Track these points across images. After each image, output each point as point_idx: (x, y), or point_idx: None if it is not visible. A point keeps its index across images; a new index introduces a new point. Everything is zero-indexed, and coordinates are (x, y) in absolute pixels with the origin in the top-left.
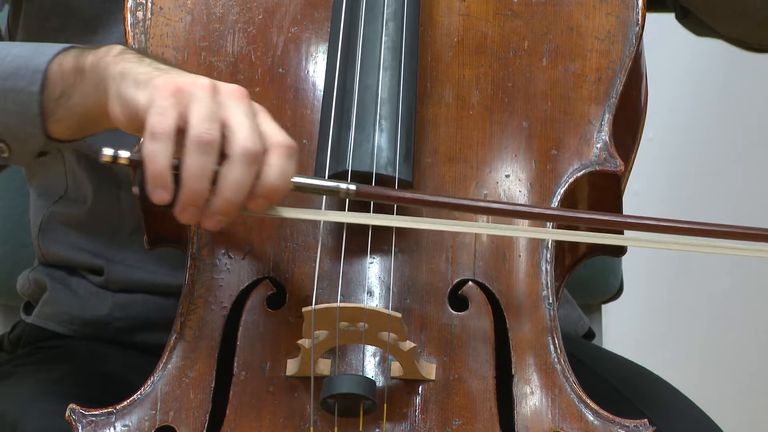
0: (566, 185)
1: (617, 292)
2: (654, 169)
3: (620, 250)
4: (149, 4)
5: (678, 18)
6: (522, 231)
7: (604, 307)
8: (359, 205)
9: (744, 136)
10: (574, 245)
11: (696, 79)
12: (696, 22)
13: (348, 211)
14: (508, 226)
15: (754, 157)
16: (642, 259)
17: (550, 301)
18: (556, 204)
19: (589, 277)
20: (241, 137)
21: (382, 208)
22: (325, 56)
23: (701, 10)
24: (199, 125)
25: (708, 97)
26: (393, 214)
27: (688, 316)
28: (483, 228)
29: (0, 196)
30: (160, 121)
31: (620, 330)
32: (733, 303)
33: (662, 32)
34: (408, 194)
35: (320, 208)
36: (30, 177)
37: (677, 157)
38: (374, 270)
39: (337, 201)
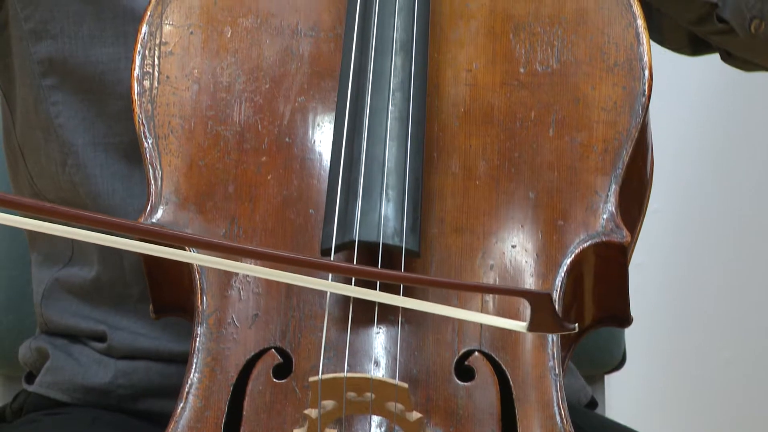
0: (572, 256)
1: (620, 363)
2: (658, 240)
3: (626, 321)
4: (156, 73)
5: (723, 59)
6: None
7: (606, 377)
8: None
9: (745, 208)
10: (580, 316)
11: (697, 147)
12: (740, 60)
13: (356, 279)
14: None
15: (757, 231)
16: (644, 329)
17: (557, 372)
18: (563, 275)
19: (592, 347)
20: None
21: (390, 293)
22: (332, 126)
23: (741, 50)
24: None
25: (709, 165)
26: (400, 290)
27: (690, 386)
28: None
29: (2, 265)
30: None
31: (623, 399)
32: (736, 373)
33: (663, 105)
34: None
35: (329, 278)
36: (33, 244)
37: (682, 229)
38: (381, 340)
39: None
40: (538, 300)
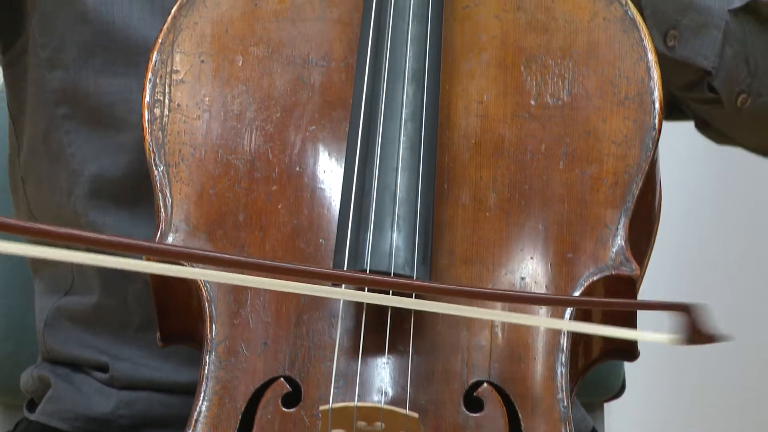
0: (582, 288)
1: (619, 390)
2: (657, 268)
3: (633, 355)
4: (167, 101)
5: (697, 127)
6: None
7: (606, 405)
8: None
9: (747, 240)
10: (588, 349)
11: (699, 177)
12: (716, 132)
13: (367, 307)
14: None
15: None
16: (643, 356)
17: (565, 404)
18: (569, 313)
19: (592, 375)
20: None
21: (400, 322)
22: (343, 155)
23: (721, 122)
24: None
25: (710, 196)
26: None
27: (690, 414)
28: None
29: (3, 295)
30: None
31: (623, 427)
32: (736, 399)
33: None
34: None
35: (337, 312)
36: (35, 271)
37: (681, 257)
38: (390, 369)
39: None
40: (691, 312)
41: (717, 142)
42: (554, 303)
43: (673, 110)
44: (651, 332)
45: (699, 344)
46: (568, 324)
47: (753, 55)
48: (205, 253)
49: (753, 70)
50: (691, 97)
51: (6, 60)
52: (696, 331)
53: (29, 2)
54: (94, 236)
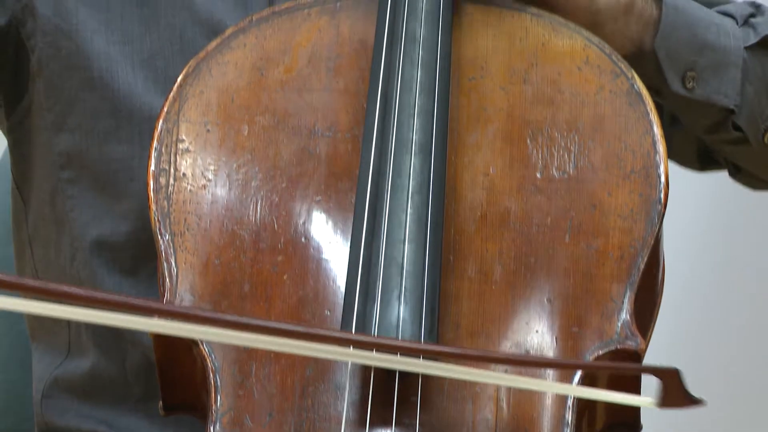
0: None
1: None
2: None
3: (636, 427)
4: (172, 170)
5: (731, 174)
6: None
7: None
8: (385, 375)
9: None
10: (592, 423)
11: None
12: (748, 176)
13: (373, 380)
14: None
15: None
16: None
17: None
18: (577, 381)
19: None
20: None
21: (406, 395)
22: (349, 227)
23: (751, 162)
24: None
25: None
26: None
27: None
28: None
29: (3, 369)
30: None
31: None
32: None
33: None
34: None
35: (343, 384)
36: (33, 336)
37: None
38: None
39: (361, 368)
40: (666, 376)
41: (751, 187)
42: (555, 366)
43: (706, 160)
44: (631, 396)
45: (673, 407)
46: (573, 388)
47: None
48: (212, 315)
49: None
50: (717, 138)
51: (9, 124)
52: (675, 394)
53: (35, 66)
54: (103, 296)
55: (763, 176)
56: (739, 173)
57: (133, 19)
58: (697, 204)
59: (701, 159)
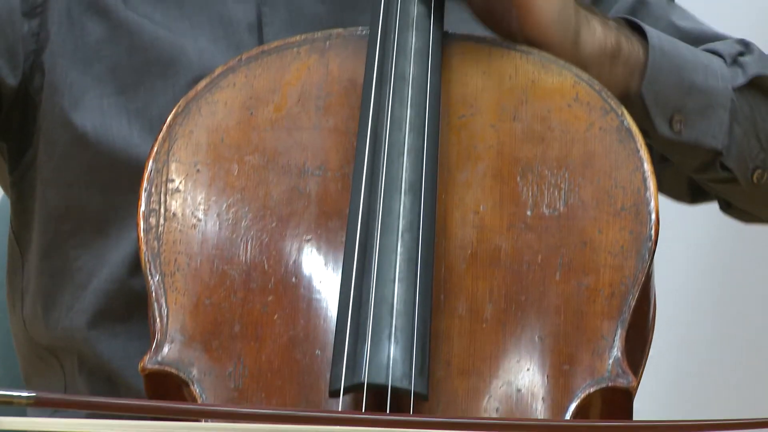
0: (578, 400)
1: None
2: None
3: None
4: (162, 210)
5: (722, 208)
6: None
7: None
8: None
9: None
10: None
11: (696, 289)
12: (739, 211)
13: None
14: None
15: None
16: None
17: None
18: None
19: None
20: None
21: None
22: (339, 266)
23: (741, 200)
24: None
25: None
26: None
27: None
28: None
29: None
30: None
31: None
32: None
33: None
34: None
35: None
36: (27, 383)
37: (678, 375)
38: None
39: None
40: None
41: (743, 221)
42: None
43: (697, 193)
44: None
45: None
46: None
47: (764, 131)
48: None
49: (765, 146)
50: (707, 178)
51: (12, 179)
52: None
53: (34, 117)
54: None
55: (753, 212)
56: (730, 208)
57: (126, 70)
58: (689, 241)
59: (692, 193)
